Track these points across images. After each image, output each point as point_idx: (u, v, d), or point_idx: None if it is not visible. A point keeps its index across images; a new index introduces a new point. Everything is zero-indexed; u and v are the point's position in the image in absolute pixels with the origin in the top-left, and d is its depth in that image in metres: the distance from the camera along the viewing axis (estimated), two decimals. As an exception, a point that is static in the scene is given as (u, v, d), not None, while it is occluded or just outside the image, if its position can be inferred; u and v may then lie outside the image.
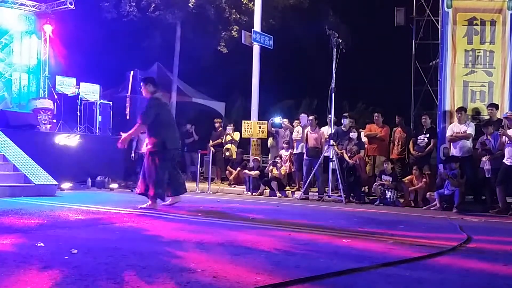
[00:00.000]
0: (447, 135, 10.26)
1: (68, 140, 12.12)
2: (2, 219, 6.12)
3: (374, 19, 20.02)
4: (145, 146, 8.00)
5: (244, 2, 16.11)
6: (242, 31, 14.34)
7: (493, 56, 10.77)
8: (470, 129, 9.98)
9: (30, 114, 13.06)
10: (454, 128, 10.16)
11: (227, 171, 13.76)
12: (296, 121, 12.89)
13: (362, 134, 11.73)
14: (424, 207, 9.87)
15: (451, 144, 10.15)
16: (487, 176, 9.47)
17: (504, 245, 5.49)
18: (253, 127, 13.85)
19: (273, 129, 13.69)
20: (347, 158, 10.91)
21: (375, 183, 10.66)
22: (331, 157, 10.76)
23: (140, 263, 3.67)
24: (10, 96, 14.71)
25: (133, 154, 12.69)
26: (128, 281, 3.14)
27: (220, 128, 14.69)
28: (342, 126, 11.58)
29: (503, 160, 9.10)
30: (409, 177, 10.48)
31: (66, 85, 14.76)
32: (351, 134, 11.23)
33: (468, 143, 9.99)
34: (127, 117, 14.33)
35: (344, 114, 11.92)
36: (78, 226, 5.82)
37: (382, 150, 11.41)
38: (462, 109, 10.24)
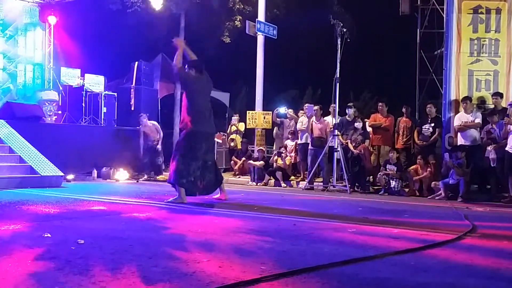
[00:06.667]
0: (454, 125, 10.22)
1: None
2: (9, 210, 6.16)
3: (378, 8, 19.87)
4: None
5: (248, -9, 16.03)
6: (246, 21, 14.28)
7: (498, 45, 10.69)
8: (478, 119, 9.97)
9: (35, 106, 13.08)
10: (461, 117, 10.12)
11: (232, 161, 13.78)
12: (301, 111, 12.87)
13: (367, 124, 11.72)
14: (429, 197, 9.86)
15: (459, 133, 10.11)
16: (492, 165, 9.44)
17: (509, 234, 5.50)
18: (258, 118, 13.84)
19: (278, 119, 13.68)
20: (351, 148, 10.91)
21: (379, 173, 10.65)
22: (335, 147, 10.75)
23: (145, 253, 3.69)
24: (15, 88, 14.74)
25: (141, 151, 12.84)
26: (134, 271, 3.16)
27: None
28: (346, 116, 11.58)
29: (506, 148, 9.06)
30: (414, 166, 10.47)
31: (71, 76, 14.78)
32: (356, 124, 11.23)
33: (476, 133, 9.96)
34: (132, 108, 14.36)
35: (349, 104, 11.91)
36: (84, 217, 5.86)
37: (387, 140, 11.39)
38: (467, 99, 10.21)
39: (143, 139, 12.93)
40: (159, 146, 12.89)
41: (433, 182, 10.07)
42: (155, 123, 13.23)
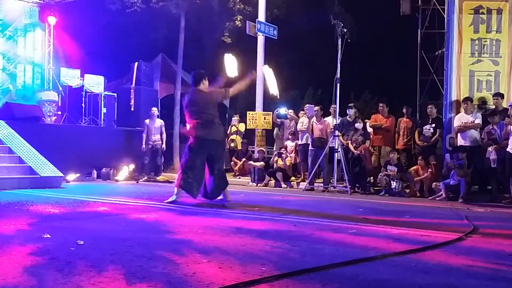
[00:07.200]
0: (454, 126, 10.20)
1: None
2: (8, 211, 6.15)
3: (379, 8, 19.86)
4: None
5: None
6: (247, 21, 14.25)
7: (499, 45, 10.68)
8: (478, 120, 9.94)
9: (35, 106, 13.06)
10: (461, 118, 10.11)
11: (232, 162, 13.77)
12: (301, 111, 12.85)
13: (368, 124, 11.70)
14: (430, 197, 9.84)
15: (459, 134, 10.09)
16: (493, 166, 9.42)
17: (510, 234, 5.48)
18: (258, 118, 13.82)
19: (278, 120, 13.66)
20: (352, 149, 10.90)
21: (380, 174, 10.64)
22: (336, 147, 10.74)
23: (146, 254, 3.68)
24: (15, 89, 14.71)
25: (143, 146, 12.85)
26: (134, 272, 3.15)
27: None
28: (347, 117, 11.57)
29: (507, 149, 9.04)
30: (414, 167, 10.45)
31: (71, 77, 14.75)
32: (356, 125, 11.21)
33: (476, 133, 9.94)
34: (132, 109, 14.35)
35: (350, 105, 11.89)
36: (84, 218, 5.84)
37: (388, 141, 11.37)
38: (468, 100, 10.19)
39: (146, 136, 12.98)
40: (163, 146, 13.04)
41: (434, 183, 10.05)
42: (162, 122, 13.34)
